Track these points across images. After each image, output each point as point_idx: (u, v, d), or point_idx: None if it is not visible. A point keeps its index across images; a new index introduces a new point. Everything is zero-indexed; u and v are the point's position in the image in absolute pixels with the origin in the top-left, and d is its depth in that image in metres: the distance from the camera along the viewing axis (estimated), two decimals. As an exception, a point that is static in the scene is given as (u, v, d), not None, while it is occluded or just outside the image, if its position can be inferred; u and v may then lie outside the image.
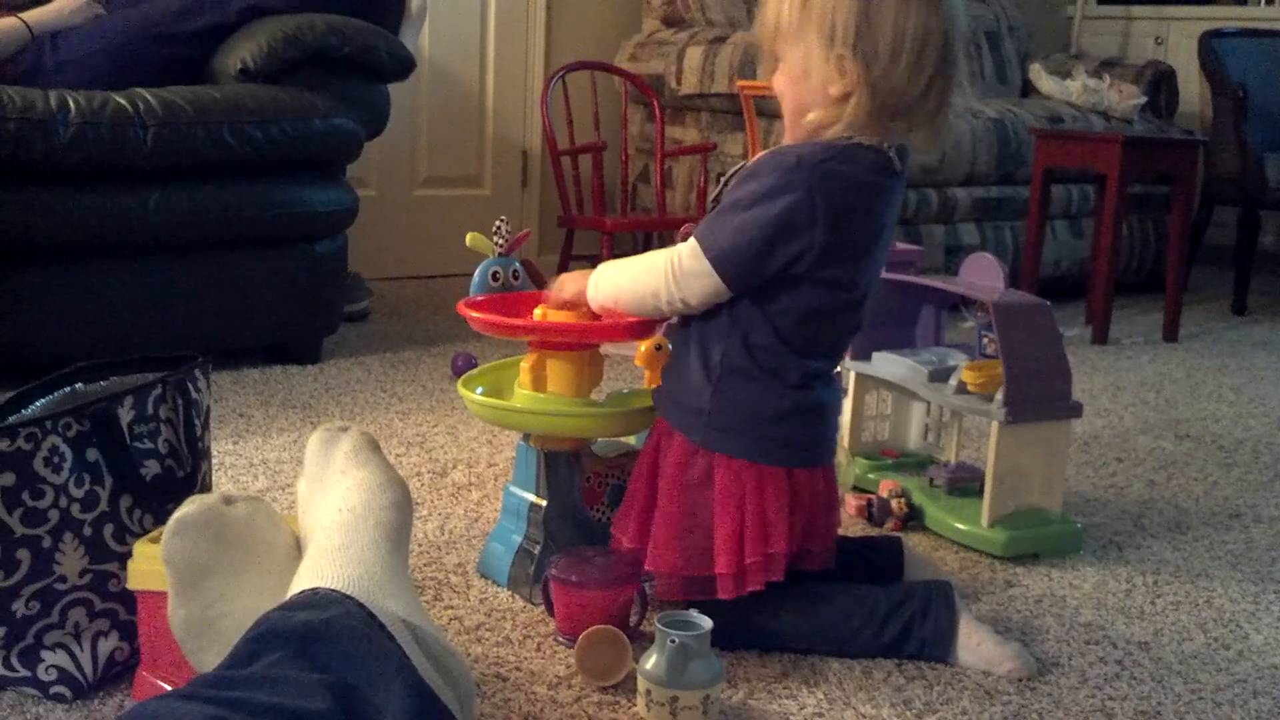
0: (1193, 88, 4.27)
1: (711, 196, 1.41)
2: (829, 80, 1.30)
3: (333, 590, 1.04)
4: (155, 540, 1.18)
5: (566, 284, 1.47)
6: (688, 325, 1.40)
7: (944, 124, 1.36)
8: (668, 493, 1.38)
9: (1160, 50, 4.78)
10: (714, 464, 1.36)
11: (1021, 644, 1.40)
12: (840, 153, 1.30)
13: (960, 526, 1.75)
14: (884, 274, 1.96)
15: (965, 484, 1.84)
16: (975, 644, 1.38)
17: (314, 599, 1.03)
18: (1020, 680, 1.36)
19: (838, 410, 1.43)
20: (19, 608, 1.19)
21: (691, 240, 1.33)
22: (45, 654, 1.20)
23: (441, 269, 3.79)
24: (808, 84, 1.33)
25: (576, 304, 1.46)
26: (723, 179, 1.40)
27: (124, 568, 1.21)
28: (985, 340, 1.89)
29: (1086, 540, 1.79)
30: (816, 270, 1.31)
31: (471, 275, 1.64)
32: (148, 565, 1.18)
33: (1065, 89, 4.04)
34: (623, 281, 1.39)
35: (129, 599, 1.22)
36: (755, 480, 1.35)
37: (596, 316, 1.47)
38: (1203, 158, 3.76)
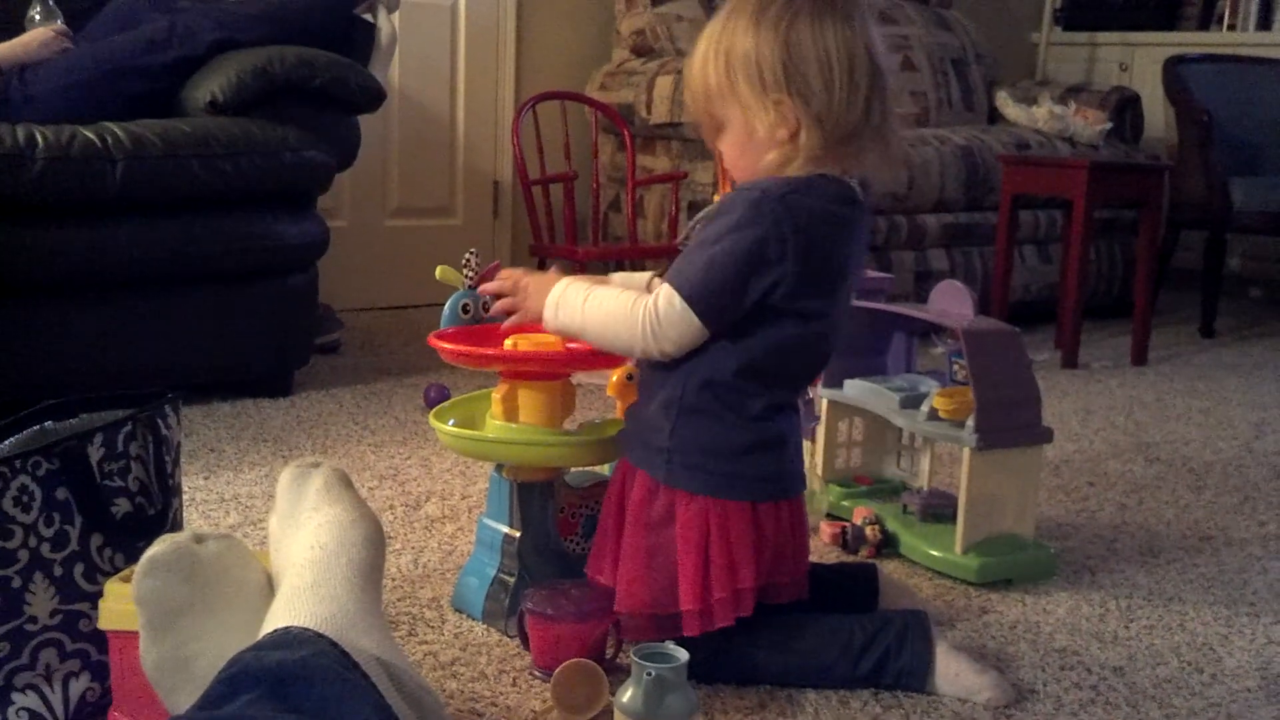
0: (1158, 113, 4.32)
1: (680, 239, 1.41)
2: (774, 126, 1.31)
3: (306, 629, 1.04)
4: (126, 579, 1.17)
5: (530, 297, 1.42)
6: (651, 367, 1.40)
7: (893, 139, 1.36)
8: (632, 531, 1.38)
9: (1125, 76, 4.84)
10: (676, 500, 1.35)
11: (998, 671, 1.40)
12: (803, 185, 1.31)
13: (934, 553, 1.76)
14: (854, 301, 1.98)
15: (939, 510, 1.84)
16: (953, 673, 1.38)
17: (287, 638, 1.03)
18: (998, 708, 1.36)
19: (799, 440, 1.43)
20: (-13, 650, 1.17)
21: (665, 288, 1.32)
22: (16, 696, 1.18)
23: (414, 299, 3.78)
24: (755, 139, 1.34)
25: (535, 326, 1.43)
26: (691, 222, 1.40)
27: (95, 607, 1.20)
28: (956, 367, 1.90)
29: (1059, 565, 1.80)
30: (791, 302, 1.31)
31: (443, 305, 1.64)
32: (119, 605, 1.16)
33: (1031, 115, 4.08)
34: (590, 325, 1.37)
35: (100, 639, 1.21)
36: (719, 516, 1.34)
37: None
38: (1169, 182, 3.80)
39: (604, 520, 1.44)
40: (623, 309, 1.34)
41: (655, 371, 1.39)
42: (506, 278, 1.46)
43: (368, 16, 2.90)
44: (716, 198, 1.46)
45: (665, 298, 1.31)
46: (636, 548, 1.37)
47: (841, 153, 1.32)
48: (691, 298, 1.30)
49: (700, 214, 1.39)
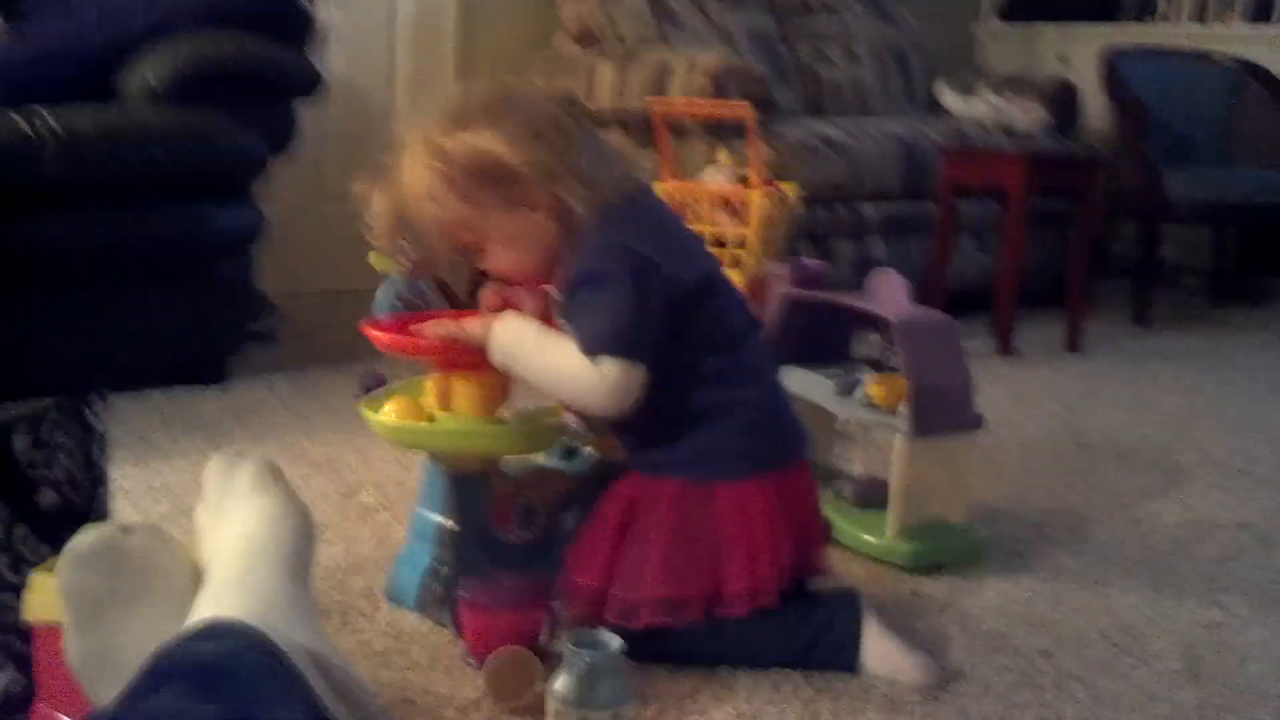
0: (1095, 104, 4.37)
1: (559, 314, 1.43)
2: (533, 211, 1.36)
3: (233, 621, 1.03)
4: (51, 570, 1.15)
5: (471, 333, 1.41)
6: None
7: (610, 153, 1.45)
8: (660, 530, 1.38)
9: (1064, 67, 4.89)
10: (715, 490, 1.39)
11: (927, 654, 1.42)
12: (613, 210, 1.36)
13: (867, 539, 1.78)
14: (792, 290, 1.99)
15: (873, 496, 1.86)
16: (881, 654, 1.40)
17: (214, 630, 1.02)
18: (926, 690, 1.38)
19: (788, 405, 1.50)
20: (-92, 643, 1.15)
21: (599, 360, 1.33)
22: (-63, 690, 1.17)
23: (350, 285, 3.74)
24: (527, 235, 1.38)
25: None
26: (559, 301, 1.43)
27: (19, 599, 1.18)
28: (890, 355, 1.92)
29: (990, 550, 1.82)
30: (681, 285, 1.36)
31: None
32: (44, 596, 1.15)
33: (969, 106, 4.12)
34: (540, 379, 1.38)
35: (24, 632, 1.19)
36: (756, 491, 1.39)
37: None
38: (1106, 173, 3.86)
39: (600, 526, 1.43)
40: (576, 379, 1.35)
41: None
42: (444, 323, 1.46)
43: (304, 2, 2.86)
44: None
45: (605, 366, 1.33)
46: (668, 543, 1.38)
47: (597, 184, 1.37)
48: (618, 349, 1.33)
49: (557, 293, 1.43)
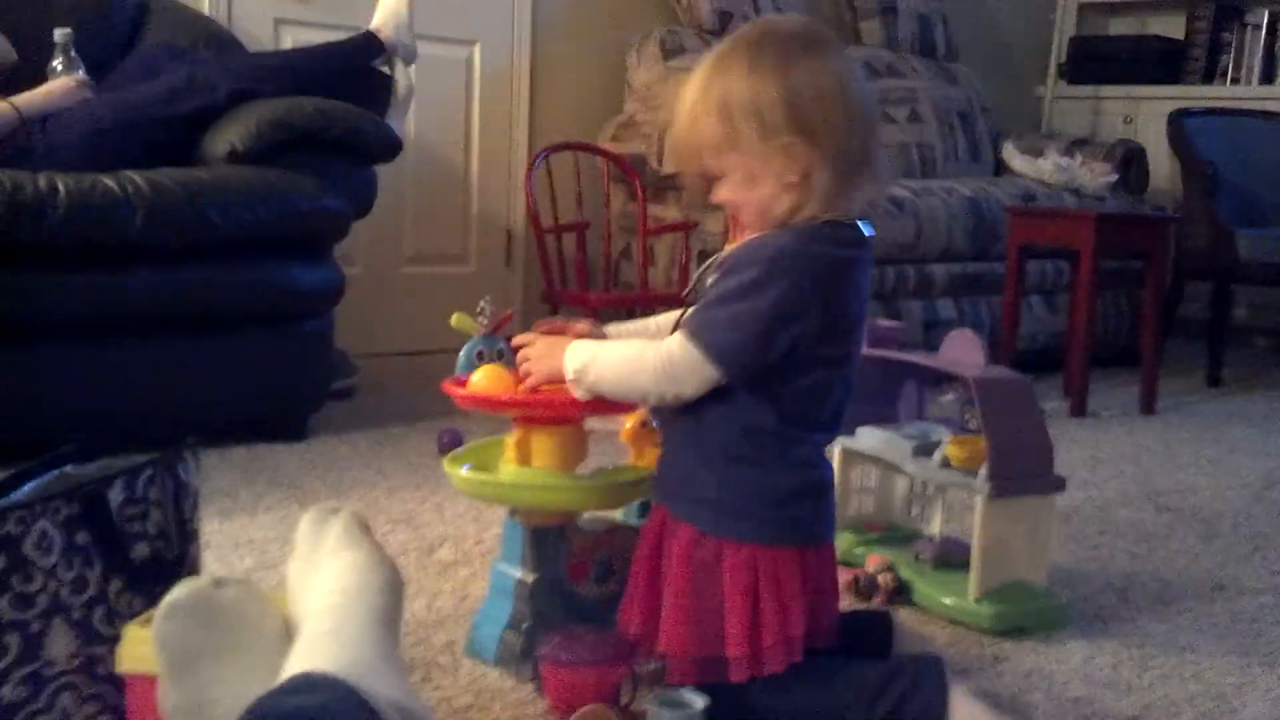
0: (1162, 165, 4.36)
1: (687, 290, 1.42)
2: (784, 171, 1.32)
3: (325, 674, 1.04)
4: (145, 623, 1.18)
5: (539, 362, 1.44)
6: (675, 416, 1.40)
7: (882, 172, 1.39)
8: (677, 576, 1.37)
9: (1129, 129, 4.88)
10: (723, 548, 1.35)
11: (1015, 718, 1.40)
12: (815, 234, 1.32)
13: (947, 601, 1.76)
14: (867, 350, 1.99)
15: (951, 558, 1.84)
16: (969, 718, 1.37)
17: (306, 683, 1.03)
18: (1012, 756, 1.36)
19: (834, 486, 1.44)
20: (6, 692, 1.17)
21: (680, 338, 1.33)
22: (33, 740, 1.19)
23: (427, 345, 3.80)
24: (760, 185, 1.34)
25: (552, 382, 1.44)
26: (698, 272, 1.42)
27: (113, 651, 1.21)
28: (967, 415, 1.91)
29: (1072, 614, 1.80)
30: (815, 350, 1.32)
31: (458, 352, 1.65)
32: (138, 649, 1.17)
33: (1037, 167, 4.12)
34: (607, 377, 1.38)
35: (118, 683, 1.21)
36: (769, 563, 1.34)
37: None
38: (1174, 233, 3.83)
39: (636, 570, 1.43)
40: (639, 355, 1.36)
41: (685, 421, 1.39)
42: (522, 341, 1.48)
43: (384, 68, 2.94)
44: (728, 247, 1.48)
45: (681, 346, 1.32)
46: (683, 591, 1.36)
47: (848, 190, 1.34)
48: (719, 355, 1.31)
49: (707, 264, 1.40)
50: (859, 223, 1.37)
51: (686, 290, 1.42)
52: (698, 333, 1.33)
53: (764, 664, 1.34)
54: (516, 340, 1.49)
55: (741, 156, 1.33)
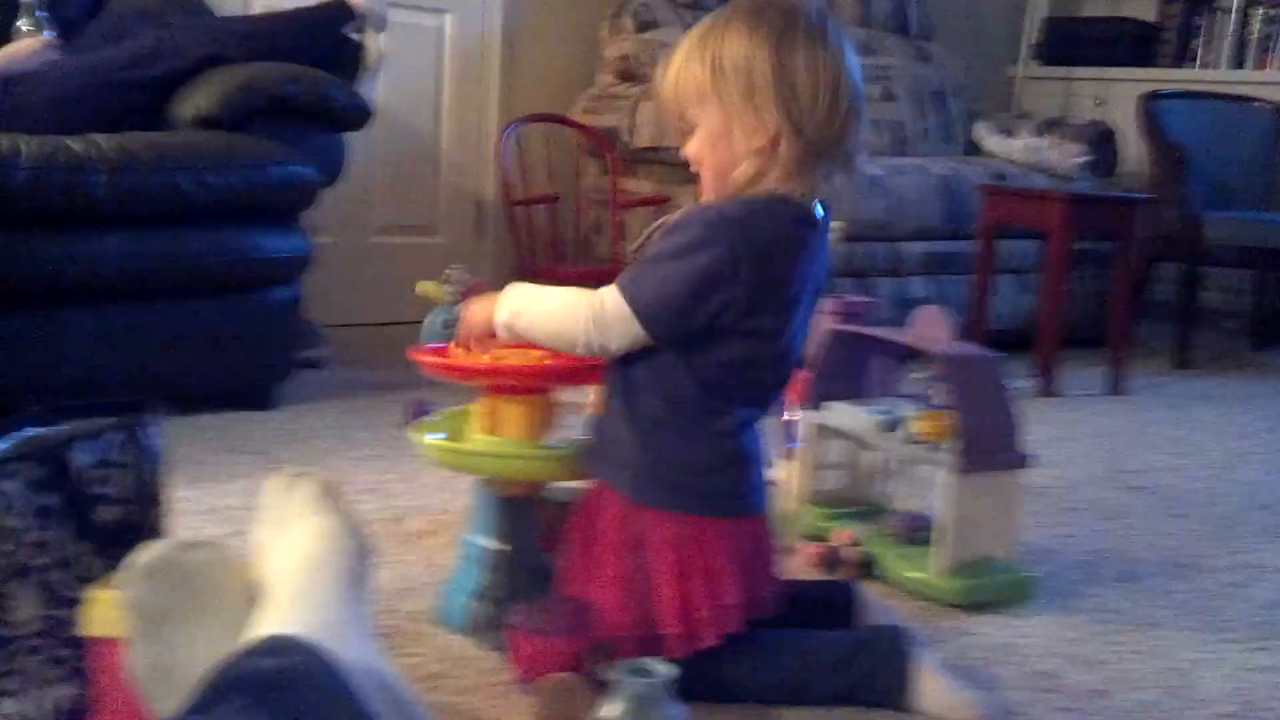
0: (1132, 147, 4.38)
1: (635, 246, 1.42)
2: (751, 133, 1.32)
3: (293, 637, 1.03)
4: (109, 586, 1.16)
5: (472, 315, 1.44)
6: (611, 379, 1.40)
7: (857, 167, 1.39)
8: (607, 553, 1.37)
9: (1101, 110, 4.89)
10: (649, 520, 1.35)
11: (979, 691, 1.41)
12: (762, 207, 1.32)
13: (914, 575, 1.77)
14: (836, 325, 2.00)
15: (918, 533, 1.85)
16: (932, 691, 1.38)
17: (275, 645, 1.03)
18: (977, 727, 1.37)
19: (762, 458, 1.43)
20: (-32, 655, 1.16)
21: (613, 289, 1.34)
22: (-4, 703, 1.18)
23: (396, 316, 3.78)
24: (729, 142, 1.35)
25: (487, 335, 1.44)
26: (647, 230, 1.42)
27: (78, 614, 1.19)
28: (934, 391, 1.92)
29: (1039, 589, 1.81)
30: (742, 321, 1.32)
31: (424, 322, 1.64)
32: (102, 611, 1.16)
33: (1009, 147, 4.13)
34: (536, 319, 1.38)
35: (83, 646, 1.20)
36: (696, 532, 1.35)
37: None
38: (1144, 215, 3.85)
39: (571, 538, 1.43)
40: (570, 301, 1.36)
41: (617, 385, 1.39)
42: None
43: (355, 36, 2.90)
44: None
45: (614, 300, 1.33)
46: (614, 571, 1.37)
47: (812, 171, 1.34)
48: (641, 309, 1.32)
49: (658, 223, 1.40)
50: (814, 203, 1.36)
51: (635, 246, 1.42)
52: (627, 285, 1.33)
53: (700, 637, 1.34)
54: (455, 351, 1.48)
55: (719, 111, 1.34)
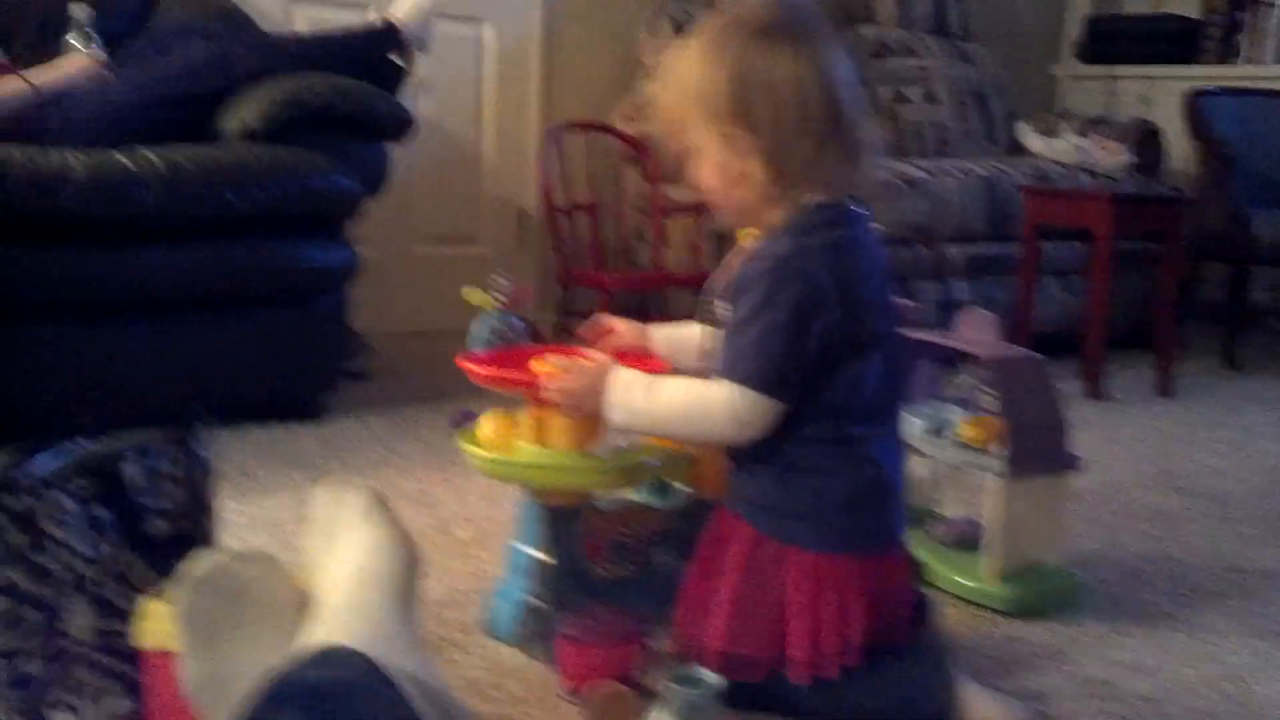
0: (1178, 145, 4.32)
1: (700, 313, 1.42)
2: (726, 161, 1.32)
3: (344, 647, 1.04)
4: (162, 598, 1.18)
5: (579, 397, 1.40)
6: None
7: (864, 165, 1.35)
8: (734, 574, 1.36)
9: (1145, 109, 4.84)
10: (786, 553, 1.34)
11: (1020, 701, 1.39)
12: (800, 229, 1.32)
13: (962, 581, 1.75)
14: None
15: (966, 538, 1.84)
16: (974, 703, 1.36)
17: (325, 656, 1.03)
18: (1026, 737, 1.35)
19: (902, 486, 1.42)
20: (25, 667, 1.18)
21: (730, 385, 1.31)
22: (51, 714, 1.19)
23: (441, 325, 3.80)
24: (710, 171, 1.35)
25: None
26: (710, 297, 1.40)
27: (131, 626, 1.21)
28: (980, 395, 1.90)
29: (1088, 595, 1.79)
30: (846, 338, 1.31)
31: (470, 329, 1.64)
32: (155, 623, 1.17)
33: (1052, 147, 4.09)
34: (666, 428, 1.39)
35: (136, 658, 1.21)
36: (830, 569, 1.34)
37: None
38: (1190, 214, 3.80)
39: (695, 567, 1.42)
40: (695, 410, 1.34)
41: None
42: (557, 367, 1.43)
43: (398, 60, 2.90)
44: (741, 234, 1.46)
45: (740, 395, 1.31)
46: (741, 594, 1.35)
47: (814, 176, 1.32)
48: (759, 384, 1.30)
49: (715, 291, 1.39)
50: (843, 200, 1.35)
51: (700, 313, 1.43)
52: (738, 374, 1.31)
53: (822, 668, 1.33)
54: (537, 366, 1.47)
55: (696, 138, 1.34)
